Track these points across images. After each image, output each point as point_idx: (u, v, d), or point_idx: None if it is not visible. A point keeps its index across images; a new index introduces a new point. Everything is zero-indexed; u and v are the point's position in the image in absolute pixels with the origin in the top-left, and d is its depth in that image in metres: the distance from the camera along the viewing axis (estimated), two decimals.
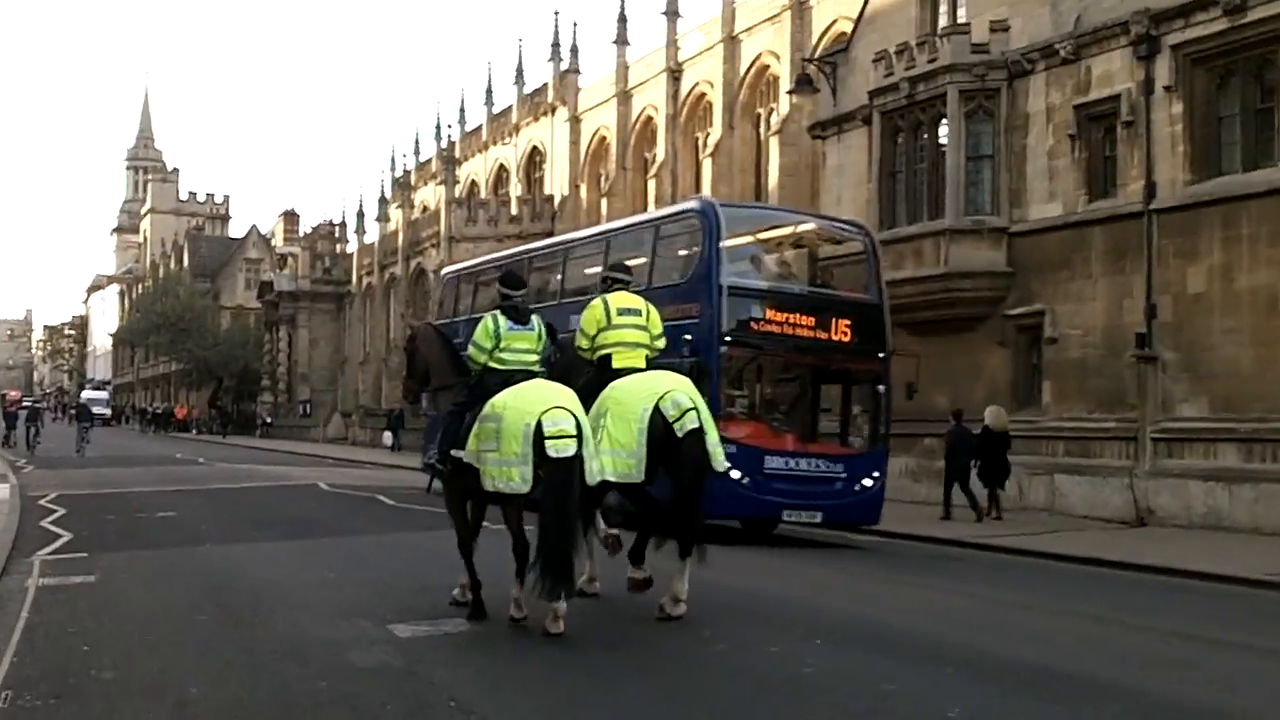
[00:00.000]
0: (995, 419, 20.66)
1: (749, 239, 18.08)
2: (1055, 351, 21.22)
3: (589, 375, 9.78)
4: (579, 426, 8.53)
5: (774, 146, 37.89)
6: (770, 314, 16.50)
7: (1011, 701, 7.25)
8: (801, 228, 19.16)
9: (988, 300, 22.11)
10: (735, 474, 14.97)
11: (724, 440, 14.38)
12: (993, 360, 21.96)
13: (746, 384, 17.46)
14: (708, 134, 43.88)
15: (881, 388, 17.44)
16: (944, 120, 22.90)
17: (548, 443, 8.32)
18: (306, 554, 13.72)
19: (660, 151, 45.76)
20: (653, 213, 27.47)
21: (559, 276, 19.90)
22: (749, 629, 9.40)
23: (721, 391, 15.90)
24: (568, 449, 8.38)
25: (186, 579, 11.77)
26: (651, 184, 45.87)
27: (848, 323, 17.02)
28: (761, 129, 41.29)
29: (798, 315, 16.59)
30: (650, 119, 47.37)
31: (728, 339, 15.88)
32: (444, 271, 26.37)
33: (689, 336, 15.59)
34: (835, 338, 16.91)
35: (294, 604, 10.21)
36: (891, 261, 22.95)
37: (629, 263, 18.12)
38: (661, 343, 10.21)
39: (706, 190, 40.94)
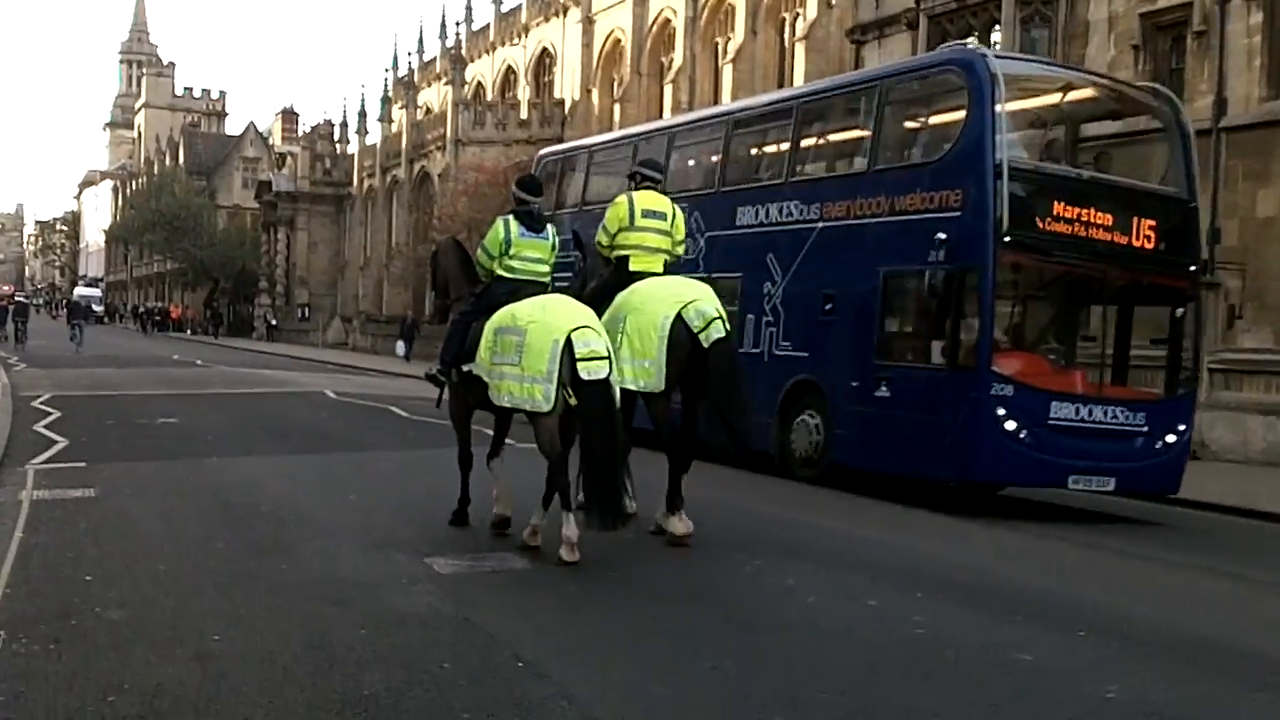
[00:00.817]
0: None
1: (1023, 104, 13.70)
2: None
3: (605, 274, 9.50)
4: (608, 348, 8.11)
5: (800, 53, 36.41)
6: (1060, 208, 12.28)
7: (1180, 682, 6.20)
8: (1080, 93, 14.21)
9: None
10: (1010, 424, 11.85)
11: (997, 379, 11.99)
12: None
13: (1016, 301, 13.57)
14: (729, 39, 42.29)
15: (1189, 311, 13.26)
16: (997, 27, 21.56)
17: (580, 364, 7.86)
18: (323, 471, 12.67)
19: (678, 56, 44.14)
20: (875, 69, 20.37)
21: (716, 158, 15.47)
22: (831, 573, 8.47)
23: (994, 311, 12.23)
24: (601, 370, 7.92)
25: (196, 497, 10.75)
26: (668, 90, 44.36)
27: (1151, 223, 12.81)
28: (786, 35, 39.74)
29: (1093, 211, 12.37)
30: (668, 22, 45.65)
31: (1007, 239, 11.83)
32: (542, 154, 21.36)
33: (944, 235, 12.12)
34: (1136, 243, 12.73)
35: (319, 531, 9.21)
36: None
37: (832, 137, 15.13)
38: (682, 249, 9.71)
39: (727, 99, 39.50)
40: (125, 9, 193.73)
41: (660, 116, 45.92)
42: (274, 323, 65.80)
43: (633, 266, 9.24)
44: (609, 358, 8.04)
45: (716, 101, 42.38)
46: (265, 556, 8.20)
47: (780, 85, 39.63)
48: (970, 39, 17.88)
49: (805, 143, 15.06)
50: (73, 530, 9.00)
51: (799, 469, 13.86)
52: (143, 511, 9.94)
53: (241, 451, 14.13)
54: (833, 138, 15.14)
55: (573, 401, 7.96)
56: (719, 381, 8.79)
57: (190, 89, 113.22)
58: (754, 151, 16.09)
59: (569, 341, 7.87)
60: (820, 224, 14.03)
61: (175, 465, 12.83)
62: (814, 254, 14.08)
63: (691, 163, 16.93)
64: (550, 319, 8.03)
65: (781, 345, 14.43)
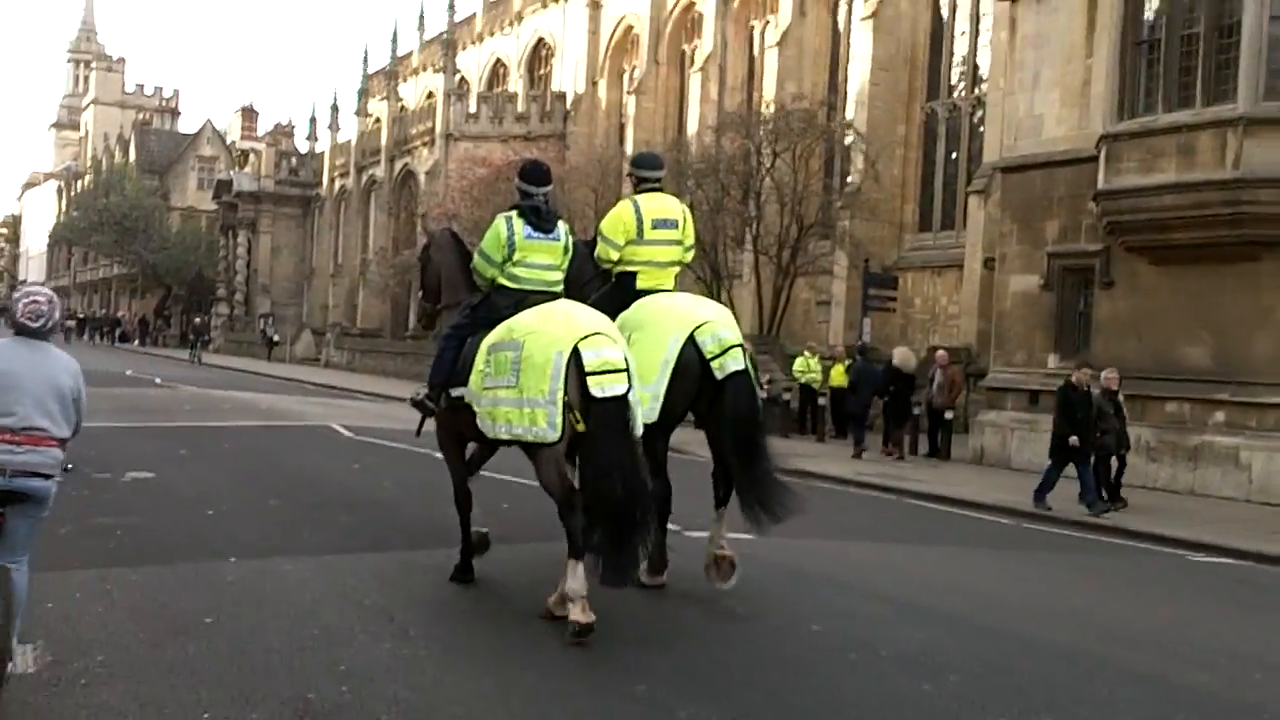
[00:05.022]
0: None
1: None
2: None
3: (604, 290, 7.96)
4: (627, 360, 6.69)
5: (865, 34, 31.45)
6: None
7: None
8: None
9: None
10: None
11: None
12: None
13: None
14: (767, 22, 37.50)
15: None
16: None
17: (590, 379, 6.50)
18: (445, 604, 7.46)
19: (707, 42, 39.16)
20: None
21: None
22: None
23: None
24: (617, 386, 6.54)
25: (236, 684, 5.53)
26: (695, 79, 39.31)
27: None
28: (840, 15, 34.91)
29: None
30: (692, 4, 40.77)
31: None
32: None
33: None
34: None
35: None
36: (1140, 163, 16.96)
37: None
38: (691, 255, 8.32)
39: (770, 89, 34.60)
40: (74, 7, 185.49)
41: (682, 109, 41.27)
42: (276, 338, 54.66)
43: (640, 284, 7.84)
44: (628, 370, 6.70)
45: (751, 92, 37.72)
46: None
47: (833, 72, 34.96)
48: None
49: None
50: None
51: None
52: None
53: (274, 546, 8.84)
54: None
55: (580, 426, 6.57)
56: (740, 428, 7.39)
57: (141, 86, 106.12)
58: None
59: (576, 353, 6.59)
60: None
61: (172, 580, 7.60)
62: None
63: None
64: (552, 328, 6.75)
65: None
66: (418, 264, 8.98)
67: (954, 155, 31.18)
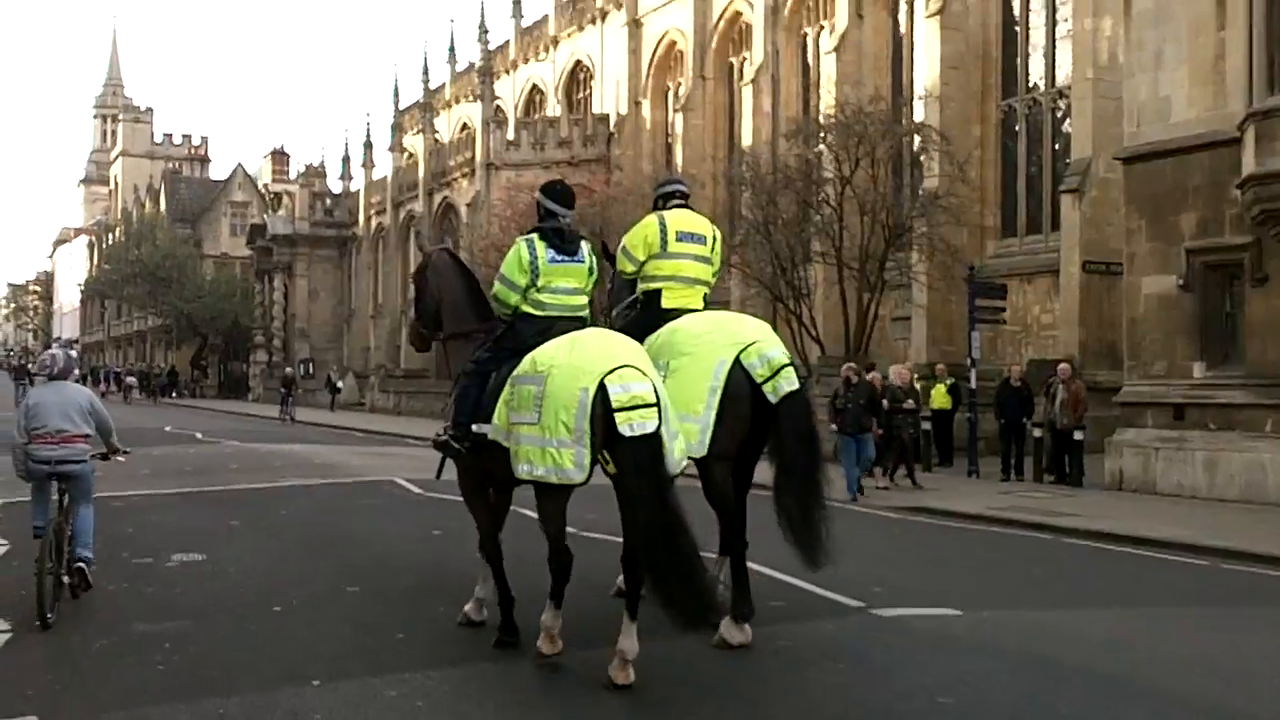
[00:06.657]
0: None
1: None
2: None
3: (629, 315, 7.69)
4: (658, 393, 6.17)
5: (931, 33, 29.50)
6: None
7: None
8: None
9: None
10: None
11: None
12: None
13: None
14: (820, 28, 35.66)
15: None
16: None
17: (619, 415, 5.99)
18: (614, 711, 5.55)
19: (757, 53, 37.33)
20: None
21: None
22: None
23: None
24: (647, 422, 6.02)
25: None
26: (746, 92, 37.47)
27: None
28: (902, 17, 33.00)
29: None
30: (739, 15, 39.03)
31: None
32: None
33: None
34: None
35: None
36: None
37: None
38: (716, 280, 7.93)
39: (829, 97, 32.69)
40: (99, 63, 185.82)
41: (733, 125, 39.48)
42: (340, 385, 50.87)
43: (666, 303, 7.46)
44: (658, 405, 6.09)
45: (807, 104, 35.89)
46: None
47: (895, 75, 33.02)
48: None
49: None
50: None
51: None
52: None
53: (364, 659, 6.86)
54: None
55: (609, 468, 6.08)
56: (797, 452, 6.84)
57: (169, 135, 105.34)
58: None
59: (602, 388, 6.01)
60: None
61: None
62: None
63: None
64: (578, 360, 6.20)
65: None
66: (414, 284, 8.54)
67: (1035, 155, 29.18)
